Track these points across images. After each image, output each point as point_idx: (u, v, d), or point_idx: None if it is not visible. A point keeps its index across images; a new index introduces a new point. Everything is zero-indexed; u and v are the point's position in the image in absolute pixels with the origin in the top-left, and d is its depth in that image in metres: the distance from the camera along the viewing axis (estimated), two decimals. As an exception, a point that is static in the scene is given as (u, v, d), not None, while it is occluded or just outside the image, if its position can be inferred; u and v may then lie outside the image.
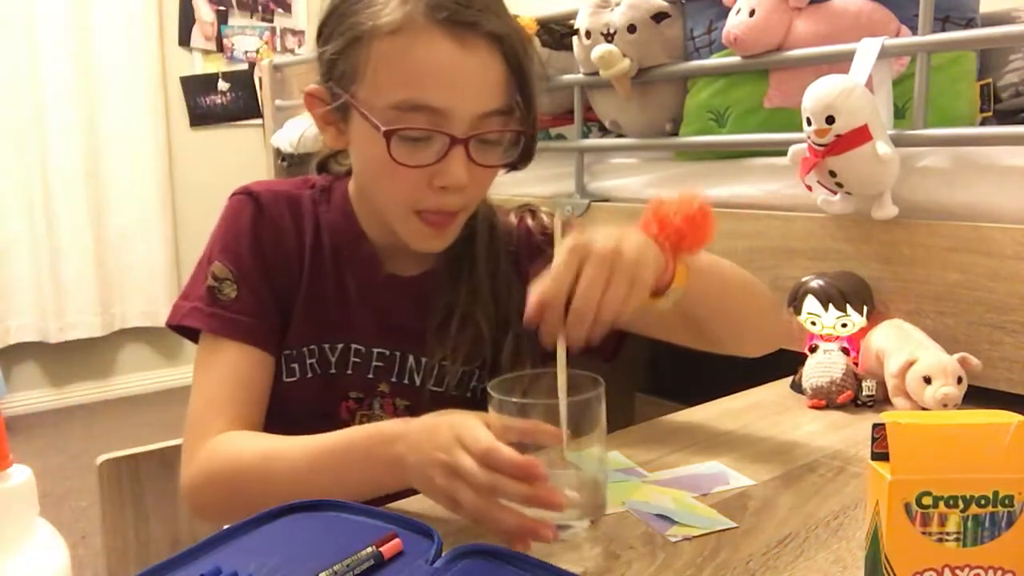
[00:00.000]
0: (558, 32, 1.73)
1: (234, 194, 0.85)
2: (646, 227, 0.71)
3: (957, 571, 0.49)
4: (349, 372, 0.86)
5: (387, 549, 0.56)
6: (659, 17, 1.49)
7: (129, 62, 3.36)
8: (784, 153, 1.25)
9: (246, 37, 3.74)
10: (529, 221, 0.93)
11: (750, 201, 1.38)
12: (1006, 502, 0.48)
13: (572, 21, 1.62)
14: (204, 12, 3.62)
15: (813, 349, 1.04)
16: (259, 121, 3.57)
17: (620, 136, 1.68)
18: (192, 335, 0.83)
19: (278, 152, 2.63)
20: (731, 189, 1.41)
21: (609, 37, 1.51)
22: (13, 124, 3.13)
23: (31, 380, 3.34)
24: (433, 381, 0.86)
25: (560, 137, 1.85)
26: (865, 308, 1.09)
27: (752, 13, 1.31)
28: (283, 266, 0.84)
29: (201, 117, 3.63)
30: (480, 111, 0.75)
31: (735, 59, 1.37)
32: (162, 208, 3.48)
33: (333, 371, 0.85)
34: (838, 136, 1.08)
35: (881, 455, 0.50)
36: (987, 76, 1.36)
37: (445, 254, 0.84)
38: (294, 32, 3.87)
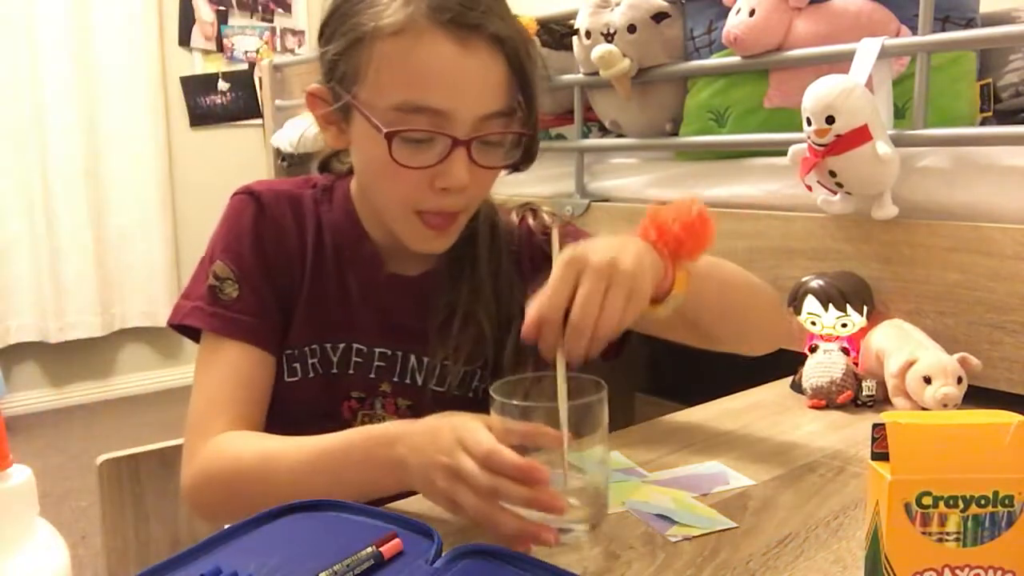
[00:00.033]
0: (558, 32, 1.73)
1: (236, 193, 0.85)
2: (644, 234, 0.71)
3: (957, 571, 0.49)
4: (351, 372, 0.86)
5: (387, 549, 0.56)
6: (659, 17, 1.49)
7: (129, 62, 3.36)
8: (784, 153, 1.25)
9: (246, 37, 3.74)
10: (530, 220, 0.92)
11: (750, 201, 1.38)
12: (1006, 502, 0.48)
13: (572, 21, 1.62)
14: (204, 12, 3.62)
15: (813, 349, 1.04)
16: (259, 121, 3.57)
17: (620, 136, 1.68)
18: (193, 335, 0.83)
19: (278, 152, 2.64)
20: (731, 189, 1.41)
21: (609, 37, 1.51)
22: (13, 124, 3.13)
23: (31, 380, 3.34)
24: (435, 381, 0.86)
25: (560, 137, 1.85)
26: (865, 308, 1.09)
27: (752, 13, 1.31)
28: (285, 266, 0.84)
29: (201, 117, 3.63)
30: (482, 113, 0.75)
31: (735, 59, 1.37)
32: (162, 208, 3.48)
33: (335, 371, 0.85)
34: (838, 136, 1.08)
35: (881, 455, 0.50)
36: (987, 76, 1.36)
37: (447, 254, 0.84)
38: (294, 32, 3.87)
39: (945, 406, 0.90)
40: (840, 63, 1.17)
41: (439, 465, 0.61)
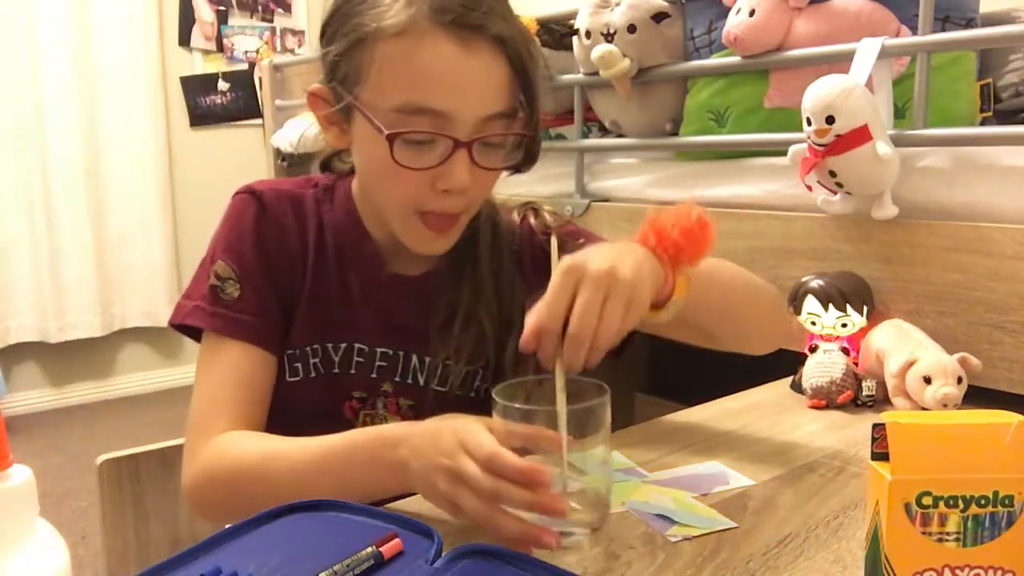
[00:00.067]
0: (558, 32, 1.73)
1: (237, 193, 0.85)
2: (644, 239, 0.71)
3: (957, 571, 0.49)
4: (352, 372, 0.85)
5: (387, 549, 0.56)
6: (659, 17, 1.49)
7: (129, 62, 3.36)
8: (784, 153, 1.25)
9: (246, 37, 3.74)
10: (532, 220, 0.92)
11: (750, 201, 1.38)
12: (1006, 502, 0.48)
13: (572, 21, 1.62)
14: (204, 12, 3.62)
15: (813, 349, 1.04)
16: (259, 121, 3.57)
17: (620, 136, 1.68)
18: (195, 334, 0.83)
19: (278, 152, 2.64)
20: (731, 189, 1.41)
21: (609, 37, 1.51)
22: (13, 124, 3.13)
23: (31, 380, 3.34)
24: (437, 381, 0.86)
25: (560, 137, 1.85)
26: (865, 308, 1.09)
27: (752, 13, 1.31)
28: (286, 265, 0.84)
29: (201, 117, 3.63)
30: (483, 114, 0.74)
31: (735, 59, 1.37)
32: (162, 208, 3.47)
33: (336, 371, 0.85)
34: (838, 136, 1.08)
35: (881, 455, 0.50)
36: (987, 76, 1.36)
37: (448, 254, 0.84)
38: (294, 32, 3.87)
39: (945, 406, 0.90)
40: (840, 63, 1.17)
41: (440, 467, 0.61)
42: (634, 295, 0.64)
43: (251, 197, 0.84)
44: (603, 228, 1.55)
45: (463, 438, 0.61)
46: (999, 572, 0.49)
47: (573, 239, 0.89)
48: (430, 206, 0.77)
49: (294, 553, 0.57)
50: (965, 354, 0.95)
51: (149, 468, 0.91)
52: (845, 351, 1.03)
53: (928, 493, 0.48)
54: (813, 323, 1.07)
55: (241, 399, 0.79)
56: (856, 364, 1.03)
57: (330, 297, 0.85)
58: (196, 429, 0.78)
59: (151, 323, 3.47)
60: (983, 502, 0.48)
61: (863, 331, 1.07)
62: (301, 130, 2.38)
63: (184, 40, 3.58)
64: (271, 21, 3.80)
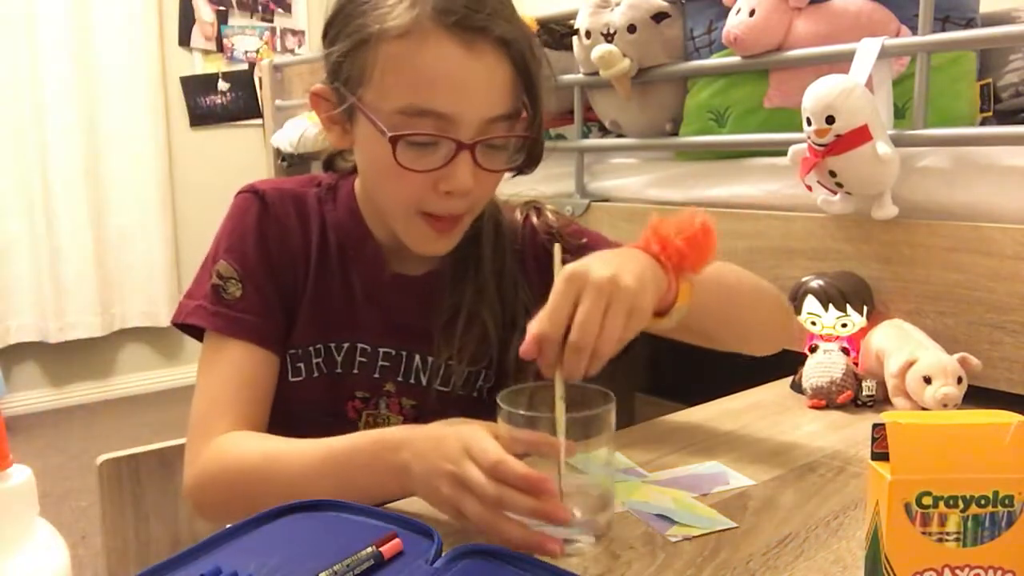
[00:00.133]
0: (558, 32, 1.73)
1: (240, 192, 0.85)
2: (646, 246, 0.70)
3: (957, 571, 0.49)
4: (355, 371, 0.85)
5: (387, 549, 0.56)
6: (659, 17, 1.49)
7: (129, 62, 3.36)
8: (784, 153, 1.25)
9: (246, 37, 3.74)
10: (534, 219, 0.92)
11: (750, 201, 1.38)
12: (1006, 502, 0.48)
13: (572, 21, 1.62)
14: (204, 12, 3.62)
15: (813, 349, 1.04)
16: (259, 121, 3.57)
17: (620, 136, 1.68)
18: (197, 334, 0.83)
19: (278, 152, 2.64)
20: (731, 189, 1.41)
21: (609, 37, 1.51)
22: (13, 124, 3.13)
23: (31, 380, 3.34)
24: (439, 381, 0.86)
25: (560, 137, 1.85)
26: (865, 308, 1.09)
27: (752, 13, 1.31)
28: (289, 265, 0.84)
29: (201, 117, 3.63)
30: (487, 116, 0.74)
31: (735, 59, 1.37)
32: (162, 208, 3.48)
33: (339, 370, 0.85)
34: (838, 136, 1.08)
35: (881, 455, 0.50)
36: (987, 76, 1.36)
37: (451, 254, 0.84)
38: (294, 32, 3.87)
39: (945, 406, 0.90)
40: (840, 63, 1.17)
41: (444, 473, 0.61)
42: (636, 303, 0.64)
43: (254, 196, 0.84)
44: (603, 228, 1.55)
45: (468, 444, 0.61)
46: (999, 572, 0.49)
47: (576, 238, 0.89)
48: (433, 207, 0.77)
49: (294, 553, 0.57)
50: (965, 354, 0.95)
51: (149, 468, 0.91)
52: (845, 351, 1.03)
53: (928, 493, 0.48)
54: (813, 323, 1.07)
55: (243, 399, 0.79)
56: (856, 364, 1.03)
57: (333, 297, 0.85)
58: (198, 429, 0.78)
59: (151, 323, 3.48)
60: (983, 502, 0.48)
61: (863, 331, 1.07)
62: (301, 130, 2.38)
63: (184, 40, 3.58)
64: (271, 21, 3.80)
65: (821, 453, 0.84)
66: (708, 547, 0.64)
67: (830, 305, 1.06)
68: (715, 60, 1.43)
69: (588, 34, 1.55)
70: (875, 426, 0.50)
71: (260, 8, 3.76)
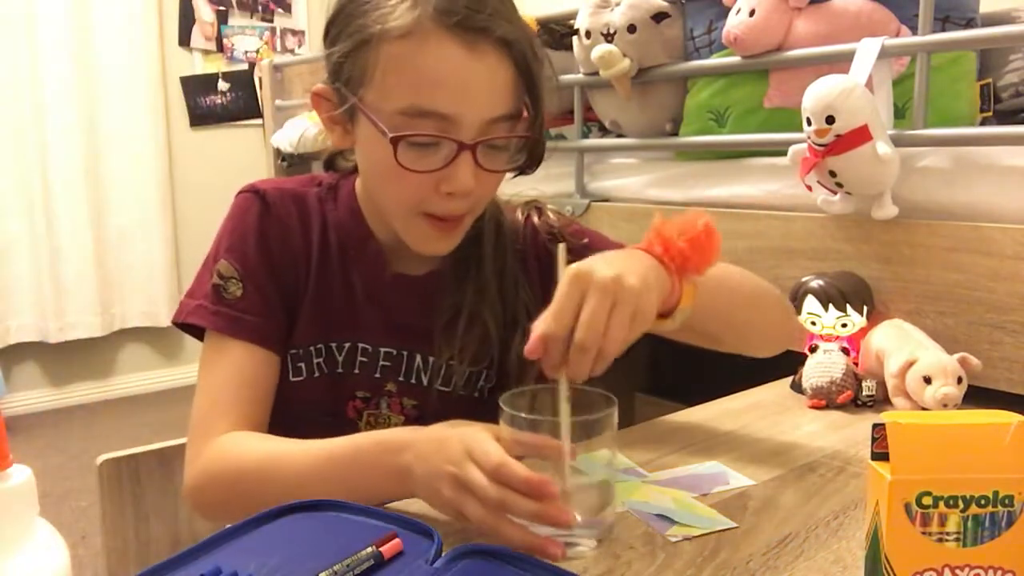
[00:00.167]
0: (558, 32, 1.73)
1: (241, 192, 0.85)
2: (650, 248, 0.70)
3: (957, 571, 0.49)
4: (356, 371, 0.85)
5: (387, 549, 0.56)
6: (659, 17, 1.49)
7: (129, 62, 3.36)
8: (784, 153, 1.25)
9: (246, 37, 3.74)
10: (536, 219, 0.92)
11: (750, 201, 1.38)
12: (1006, 502, 0.48)
13: (572, 21, 1.62)
14: (204, 12, 3.62)
15: (813, 349, 1.04)
16: (259, 121, 3.57)
17: (620, 136, 1.68)
18: (198, 333, 0.83)
19: (278, 152, 2.64)
20: (731, 189, 1.41)
21: (609, 37, 1.51)
22: (13, 124, 3.13)
23: (31, 380, 3.34)
24: (440, 381, 0.86)
25: (560, 137, 1.85)
26: (865, 308, 1.09)
27: (752, 13, 1.31)
28: (289, 265, 0.84)
29: (201, 117, 3.63)
30: (488, 117, 0.74)
31: (735, 59, 1.37)
32: (162, 208, 3.48)
33: (340, 370, 0.85)
34: (838, 136, 1.08)
35: (881, 455, 0.50)
36: (987, 76, 1.36)
37: (452, 254, 0.83)
38: (294, 32, 3.87)
39: (945, 406, 0.90)
40: (840, 63, 1.17)
41: (446, 475, 0.61)
42: (641, 304, 0.64)
43: (255, 196, 0.84)
44: (603, 228, 1.55)
45: (470, 446, 0.61)
46: (999, 572, 0.49)
47: (577, 238, 0.89)
48: (434, 208, 0.77)
49: (294, 553, 0.57)
50: (965, 354, 0.95)
51: (149, 468, 0.91)
52: (845, 351, 1.03)
53: (928, 493, 0.48)
54: (813, 323, 1.07)
55: (244, 399, 0.79)
56: (856, 364, 1.03)
57: (334, 296, 0.85)
58: (198, 429, 0.78)
59: (151, 323, 3.48)
60: (983, 502, 0.48)
61: (863, 331, 1.07)
62: (301, 130, 2.38)
63: (184, 40, 3.58)
64: (271, 21, 3.80)
65: (821, 453, 0.84)
66: (708, 547, 0.64)
67: (830, 305, 1.06)
68: (715, 60, 1.43)
69: (588, 34, 1.55)
70: (875, 426, 0.50)
71: (260, 8, 3.76)
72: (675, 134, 1.54)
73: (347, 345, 0.85)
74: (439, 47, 0.71)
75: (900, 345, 0.98)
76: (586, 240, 0.89)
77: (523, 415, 0.62)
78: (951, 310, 1.09)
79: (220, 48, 3.67)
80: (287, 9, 3.83)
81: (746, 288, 0.86)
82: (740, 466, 0.80)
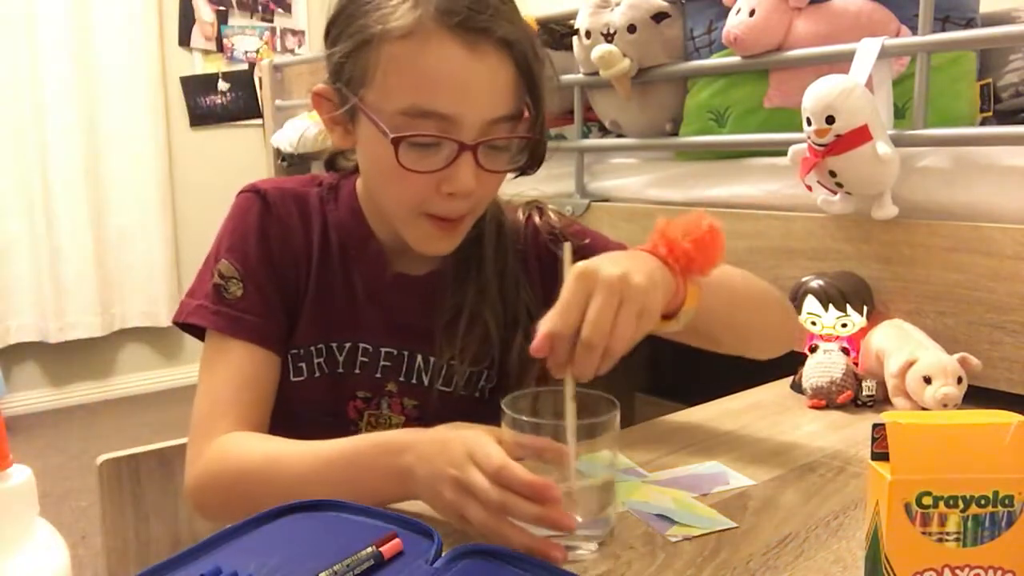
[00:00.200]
0: (558, 32, 1.73)
1: (241, 192, 0.85)
2: (654, 249, 0.70)
3: (957, 571, 0.49)
4: (357, 371, 0.85)
5: (387, 549, 0.56)
6: (659, 17, 1.49)
7: (129, 62, 3.36)
8: (784, 153, 1.25)
9: (246, 37, 3.75)
10: (537, 219, 0.92)
11: (750, 201, 1.38)
12: (1006, 502, 0.48)
13: (572, 21, 1.62)
14: (204, 12, 3.62)
15: (813, 349, 1.04)
16: (259, 121, 3.57)
17: (620, 136, 1.68)
18: (198, 333, 0.83)
19: (278, 152, 2.64)
20: (731, 189, 1.41)
21: (609, 37, 1.51)
22: (13, 124, 3.13)
23: (31, 380, 3.34)
24: (441, 381, 0.86)
25: (560, 137, 1.85)
26: (865, 308, 1.09)
27: (752, 13, 1.31)
28: (290, 265, 0.84)
29: (201, 117, 3.63)
30: (489, 117, 0.74)
31: (735, 59, 1.37)
32: (162, 208, 3.48)
33: (341, 370, 0.85)
34: (838, 136, 1.08)
35: (881, 455, 0.50)
36: (987, 76, 1.36)
37: (453, 254, 0.83)
38: (294, 32, 3.87)
39: (945, 406, 0.90)
40: (840, 63, 1.17)
41: (448, 477, 0.61)
42: (647, 302, 0.64)
43: (255, 196, 0.84)
44: (603, 228, 1.55)
45: (472, 449, 0.60)
46: (999, 572, 0.49)
47: (579, 239, 0.89)
48: (435, 208, 0.77)
49: (294, 553, 0.57)
50: (965, 354, 0.95)
51: (149, 468, 0.91)
52: (845, 351, 1.03)
53: (928, 493, 0.48)
54: (813, 323, 1.07)
55: (244, 400, 0.79)
56: (856, 364, 1.03)
57: (334, 296, 0.85)
58: (199, 429, 0.78)
59: (151, 323, 3.48)
60: (983, 502, 0.48)
61: (863, 331, 1.07)
62: (301, 130, 2.38)
63: (184, 40, 3.58)
64: (271, 21, 3.80)
65: (821, 453, 0.84)
66: (708, 547, 0.64)
67: (830, 305, 1.06)
68: (715, 60, 1.43)
69: (588, 34, 1.55)
70: (875, 426, 0.50)
71: (260, 8, 3.76)
72: (675, 134, 1.54)
73: (348, 345, 0.85)
74: (440, 47, 0.71)
75: (900, 345, 0.98)
76: (587, 240, 0.89)
77: (525, 418, 0.62)
78: (951, 310, 1.09)
79: (220, 48, 3.68)
80: (287, 9, 3.83)
81: (749, 290, 0.86)
82: (740, 466, 0.80)
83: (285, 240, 0.84)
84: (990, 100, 1.36)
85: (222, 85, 3.67)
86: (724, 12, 1.38)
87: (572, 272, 0.64)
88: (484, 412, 0.75)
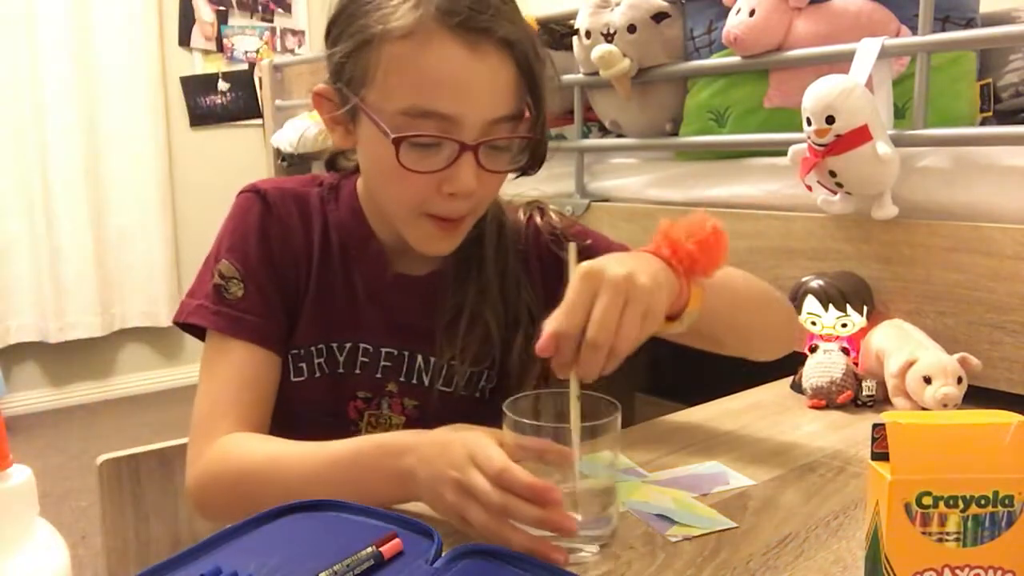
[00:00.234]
0: (558, 32, 1.74)
1: (242, 192, 0.85)
2: (657, 250, 0.70)
3: (957, 571, 0.49)
4: (357, 372, 0.85)
5: (387, 549, 0.56)
6: (659, 17, 1.49)
7: (129, 62, 3.36)
8: (784, 153, 1.25)
9: (246, 37, 3.75)
10: (538, 219, 0.92)
11: (750, 201, 1.38)
12: (1006, 502, 0.48)
13: (572, 21, 1.62)
14: (204, 12, 3.62)
15: (813, 349, 1.04)
16: (259, 121, 3.57)
17: (620, 136, 1.68)
18: (199, 333, 0.83)
19: (278, 152, 2.64)
20: (731, 189, 1.41)
21: (609, 37, 1.51)
22: (13, 124, 3.13)
23: (31, 380, 3.34)
24: (442, 381, 0.86)
25: (560, 137, 1.85)
26: (865, 308, 1.09)
27: (752, 13, 1.31)
28: (291, 265, 0.84)
29: (201, 117, 3.63)
30: (490, 117, 0.74)
31: (735, 59, 1.37)
32: (162, 208, 3.48)
33: (341, 371, 0.85)
34: (838, 136, 1.08)
35: (881, 455, 0.50)
36: (987, 76, 1.36)
37: (454, 254, 0.83)
38: (294, 32, 3.87)
39: (945, 406, 0.90)
40: (840, 63, 1.17)
41: (449, 479, 0.61)
42: (652, 303, 0.64)
43: (256, 196, 0.84)
44: (603, 228, 1.55)
45: (473, 451, 0.60)
46: (999, 572, 0.49)
47: (580, 239, 0.89)
48: (436, 208, 0.77)
49: (294, 553, 0.57)
50: (965, 354, 0.95)
51: (149, 468, 0.91)
52: (845, 351, 1.03)
53: (928, 493, 0.48)
54: (813, 323, 1.07)
55: (245, 401, 0.79)
56: (856, 364, 1.03)
57: (335, 297, 0.85)
58: (200, 430, 0.78)
59: (151, 323, 3.47)
60: (983, 502, 0.48)
61: (863, 331, 1.07)
62: (301, 130, 2.38)
63: (184, 40, 3.58)
64: (271, 21, 3.80)
65: (821, 453, 0.84)
66: (708, 547, 0.64)
67: (830, 305, 1.06)
68: (715, 60, 1.43)
69: (588, 34, 1.55)
70: (875, 426, 0.50)
71: (260, 8, 3.76)
72: (675, 134, 1.54)
73: (348, 345, 0.85)
74: (441, 47, 0.71)
75: (900, 345, 0.98)
76: (589, 241, 0.89)
77: (527, 421, 0.62)
78: (951, 310, 1.09)
79: (220, 48, 3.68)
80: (287, 9, 3.83)
81: (751, 292, 0.86)
82: (740, 466, 0.80)
83: (285, 240, 0.84)
84: (990, 100, 1.36)
85: (222, 85, 3.67)
86: (724, 12, 1.38)
87: (577, 272, 0.64)
88: (484, 412, 0.75)
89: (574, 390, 0.63)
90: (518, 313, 0.86)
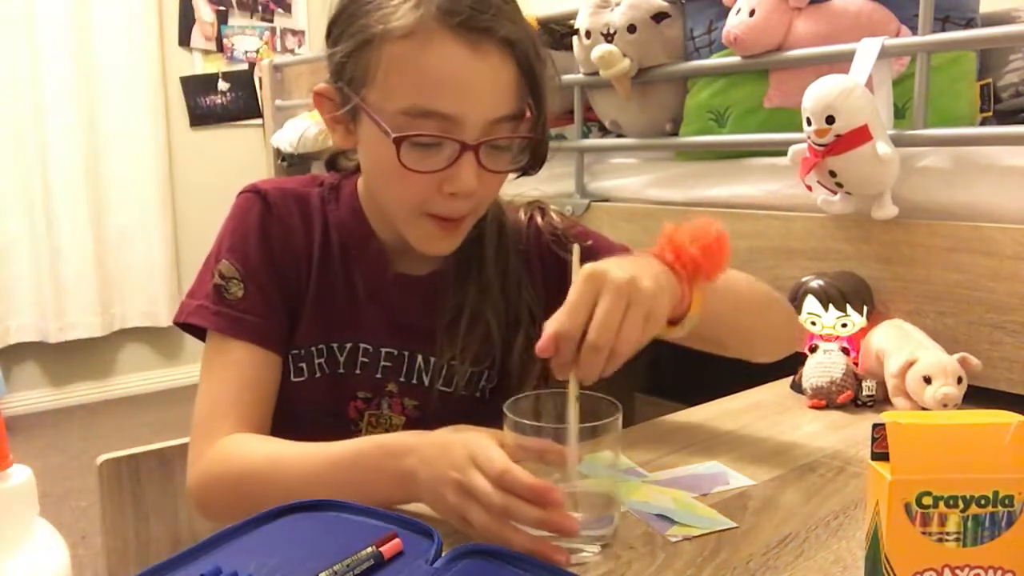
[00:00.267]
0: (558, 32, 1.74)
1: (242, 192, 0.85)
2: (660, 254, 0.70)
3: (957, 571, 0.49)
4: (357, 372, 0.85)
5: (387, 549, 0.56)
6: (659, 17, 1.49)
7: (129, 62, 3.36)
8: (784, 153, 1.25)
9: (246, 37, 3.75)
10: (539, 219, 0.92)
11: (750, 201, 1.38)
12: (1006, 502, 0.48)
13: (572, 21, 1.62)
14: (204, 12, 3.62)
15: (813, 349, 1.04)
16: (259, 121, 3.57)
17: (620, 136, 1.68)
18: (199, 333, 0.83)
19: (278, 152, 2.64)
20: (731, 189, 1.41)
21: (609, 37, 1.51)
22: (13, 124, 3.13)
23: (31, 380, 3.34)
24: (442, 381, 0.86)
25: (560, 137, 1.85)
26: (865, 308, 1.09)
27: (752, 13, 1.31)
28: (291, 265, 0.84)
29: (201, 117, 3.63)
30: (491, 117, 0.74)
31: (735, 59, 1.37)
32: (162, 208, 3.48)
33: (341, 371, 0.85)
34: (838, 136, 1.08)
35: (881, 455, 0.50)
36: (987, 76, 1.36)
37: (455, 254, 0.83)
38: (294, 32, 3.87)
39: (945, 406, 0.90)
40: (840, 63, 1.17)
41: (450, 480, 0.61)
42: (653, 307, 0.64)
43: (256, 196, 0.84)
44: (603, 228, 1.55)
45: (474, 452, 0.60)
46: (999, 572, 0.49)
47: (581, 240, 0.89)
48: (437, 208, 0.77)
49: (294, 553, 0.57)
50: (965, 354, 0.95)
51: (149, 468, 0.91)
52: (845, 351, 1.03)
53: (928, 493, 0.48)
54: (813, 323, 1.07)
55: (245, 401, 0.79)
56: (856, 364, 1.03)
57: (335, 297, 0.84)
58: (200, 430, 0.78)
59: (151, 323, 3.47)
60: (983, 502, 0.48)
61: (863, 331, 1.07)
62: (301, 130, 2.38)
63: (184, 40, 3.58)
64: (271, 21, 3.80)
65: (821, 453, 0.84)
66: (708, 547, 0.64)
67: (830, 305, 1.06)
68: (715, 60, 1.43)
69: (588, 34, 1.55)
70: (875, 426, 0.50)
71: (260, 8, 3.76)
72: (675, 134, 1.54)
73: (348, 345, 0.85)
74: (442, 47, 0.71)
75: (900, 345, 0.98)
76: (590, 242, 0.89)
77: (528, 421, 0.62)
78: (951, 310, 1.09)
79: (220, 48, 3.68)
80: (287, 9, 3.83)
81: (753, 294, 0.86)
82: (740, 466, 0.80)
83: (286, 240, 0.84)
84: (990, 100, 1.36)
85: (222, 85, 3.67)
86: (724, 12, 1.38)
87: (581, 274, 0.64)
88: (485, 412, 0.75)
89: (573, 391, 0.63)
90: (519, 313, 0.86)
